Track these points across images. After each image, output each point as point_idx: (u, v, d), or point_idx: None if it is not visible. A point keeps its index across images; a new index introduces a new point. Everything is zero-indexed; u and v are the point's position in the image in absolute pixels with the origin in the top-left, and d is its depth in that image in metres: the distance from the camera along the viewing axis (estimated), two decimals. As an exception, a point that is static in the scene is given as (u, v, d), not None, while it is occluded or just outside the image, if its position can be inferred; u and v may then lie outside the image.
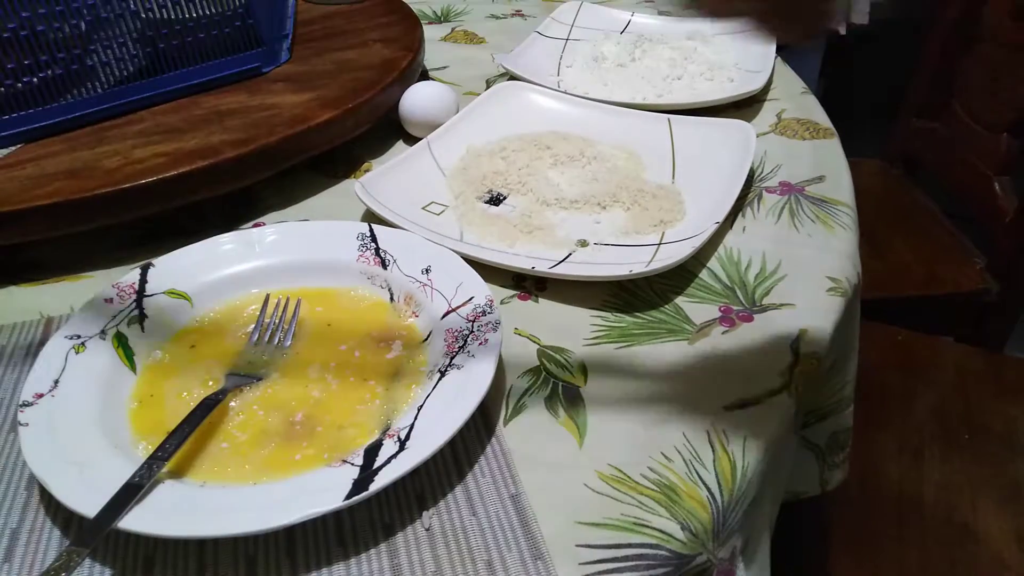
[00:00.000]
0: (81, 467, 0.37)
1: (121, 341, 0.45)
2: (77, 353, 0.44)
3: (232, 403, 0.43)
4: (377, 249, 0.51)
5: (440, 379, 0.42)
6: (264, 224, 0.60)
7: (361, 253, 0.51)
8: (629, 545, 0.37)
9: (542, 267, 0.52)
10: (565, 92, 0.73)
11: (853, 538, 0.78)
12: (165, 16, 0.65)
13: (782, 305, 0.51)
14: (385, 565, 0.36)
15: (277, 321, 0.48)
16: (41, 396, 0.41)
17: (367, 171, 0.64)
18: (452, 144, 0.66)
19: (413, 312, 0.48)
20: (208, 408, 0.41)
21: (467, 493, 0.39)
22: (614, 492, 0.39)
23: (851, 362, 0.58)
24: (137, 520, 0.35)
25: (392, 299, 0.50)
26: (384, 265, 0.51)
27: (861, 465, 0.82)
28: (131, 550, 0.37)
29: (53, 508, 0.39)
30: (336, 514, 0.38)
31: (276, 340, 0.47)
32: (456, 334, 0.45)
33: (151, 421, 0.42)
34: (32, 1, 0.58)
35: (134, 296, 0.48)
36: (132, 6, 0.63)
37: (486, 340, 0.43)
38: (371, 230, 0.53)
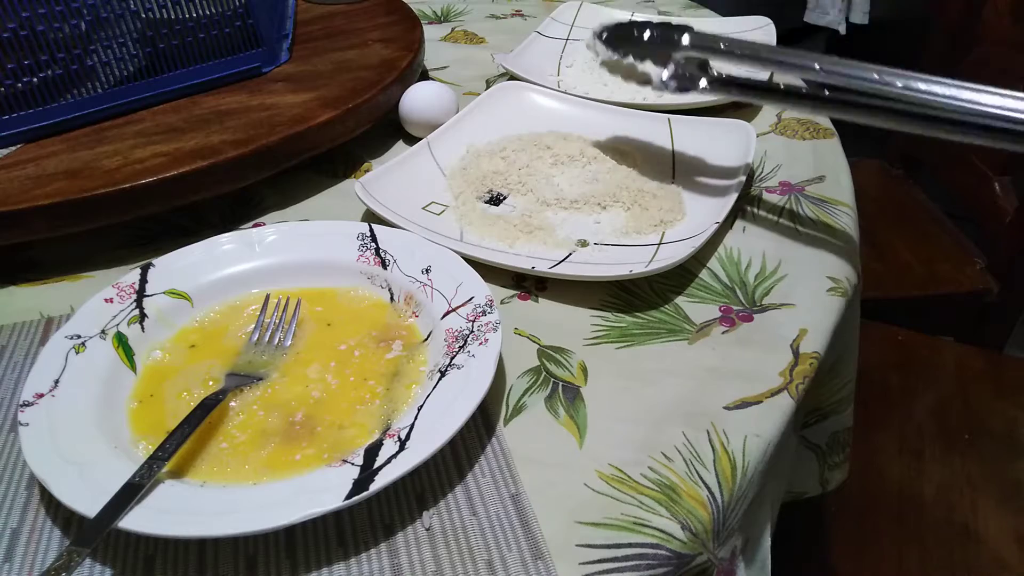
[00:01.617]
0: (81, 467, 0.37)
1: (121, 341, 0.45)
2: (77, 353, 0.44)
3: (232, 403, 0.43)
4: (377, 249, 0.51)
5: (440, 379, 0.42)
6: (264, 224, 0.60)
7: (361, 253, 0.51)
8: (629, 545, 0.37)
9: (542, 267, 0.52)
10: (565, 92, 0.73)
11: (853, 538, 0.78)
12: (165, 16, 0.65)
13: (782, 305, 0.51)
14: (385, 565, 0.36)
15: (277, 321, 0.48)
16: (41, 396, 0.41)
17: (367, 171, 0.64)
18: (452, 144, 0.66)
19: (413, 312, 0.48)
20: (208, 408, 0.41)
21: (467, 493, 0.39)
22: (614, 492, 0.39)
23: (851, 362, 0.58)
24: (137, 520, 0.35)
25: (392, 299, 0.50)
26: (384, 265, 0.51)
27: (861, 465, 0.82)
28: (131, 550, 0.37)
29: (53, 508, 0.39)
30: (336, 514, 0.38)
31: (276, 340, 0.47)
32: (456, 334, 0.45)
33: (151, 421, 0.42)
34: (32, 1, 0.58)
35: (134, 296, 0.48)
36: (132, 6, 0.63)
37: (486, 340, 0.43)
38: (371, 230, 0.53)
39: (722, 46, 0.55)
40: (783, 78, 0.56)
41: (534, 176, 0.63)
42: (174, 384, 0.44)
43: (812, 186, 0.63)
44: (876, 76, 0.47)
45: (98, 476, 0.36)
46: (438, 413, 0.40)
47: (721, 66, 0.58)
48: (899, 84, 0.47)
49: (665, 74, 0.58)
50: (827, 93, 0.52)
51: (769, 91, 0.58)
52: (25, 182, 0.55)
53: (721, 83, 0.58)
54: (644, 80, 0.60)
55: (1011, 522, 0.78)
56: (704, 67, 0.58)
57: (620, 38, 0.61)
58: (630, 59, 0.60)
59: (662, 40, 0.58)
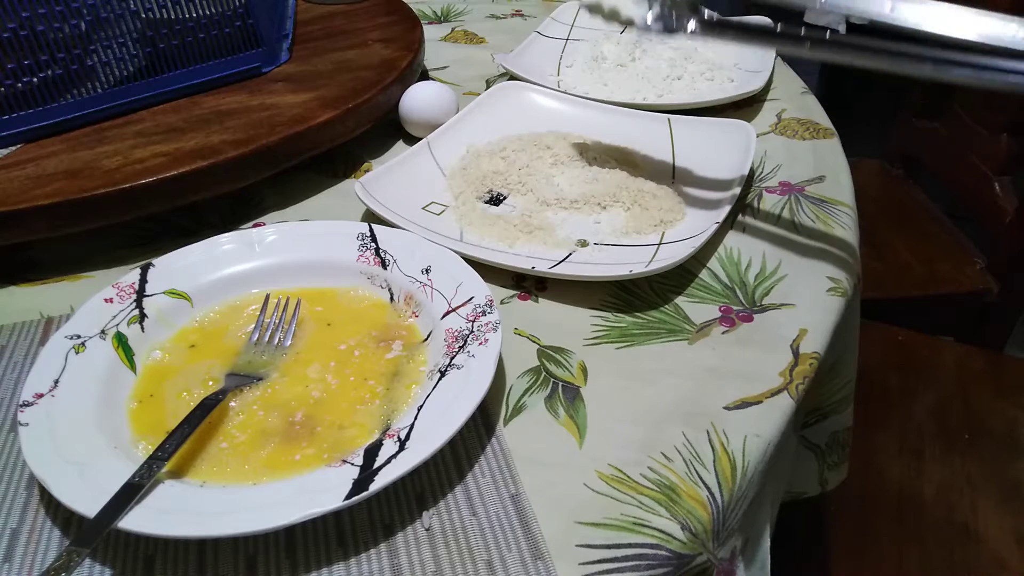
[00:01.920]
0: (81, 467, 0.37)
1: (121, 341, 0.45)
2: (77, 353, 0.44)
3: (232, 403, 0.43)
4: (377, 249, 0.51)
5: (440, 379, 0.42)
6: (264, 224, 0.60)
7: (361, 253, 0.51)
8: (629, 545, 0.37)
9: (542, 267, 0.52)
10: (565, 92, 0.73)
11: (853, 538, 0.78)
12: (165, 16, 0.65)
13: (782, 305, 0.51)
14: (385, 565, 0.36)
15: (277, 321, 0.48)
16: (41, 396, 0.41)
17: (367, 171, 0.64)
18: (452, 144, 0.66)
19: (413, 312, 0.48)
20: (208, 408, 0.41)
21: (467, 493, 0.39)
22: (614, 492, 0.39)
23: (851, 362, 0.58)
24: (137, 520, 0.35)
25: (392, 299, 0.50)
26: (384, 265, 0.51)
27: (861, 465, 0.82)
28: (131, 550, 0.37)
29: (53, 508, 0.39)
30: (336, 514, 0.38)
31: (276, 340, 0.47)
32: (456, 334, 0.45)
33: (151, 421, 0.42)
34: (32, 1, 0.58)
35: (134, 296, 0.48)
36: (132, 6, 0.63)
37: (486, 340, 0.43)
38: (371, 230, 0.53)
39: None
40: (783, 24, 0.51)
41: (534, 176, 0.63)
42: (174, 384, 0.44)
43: (812, 186, 0.63)
44: (885, 10, 0.43)
45: (98, 476, 0.36)
46: (438, 413, 0.40)
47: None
48: (911, 18, 0.42)
49: (650, 16, 0.54)
50: (828, 36, 0.47)
51: (764, 33, 0.54)
52: (25, 182, 0.55)
53: (713, 25, 0.53)
54: (627, 22, 0.56)
55: (1011, 522, 0.78)
56: (694, 9, 0.54)
57: None
58: None
59: None
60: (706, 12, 0.54)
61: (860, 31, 0.45)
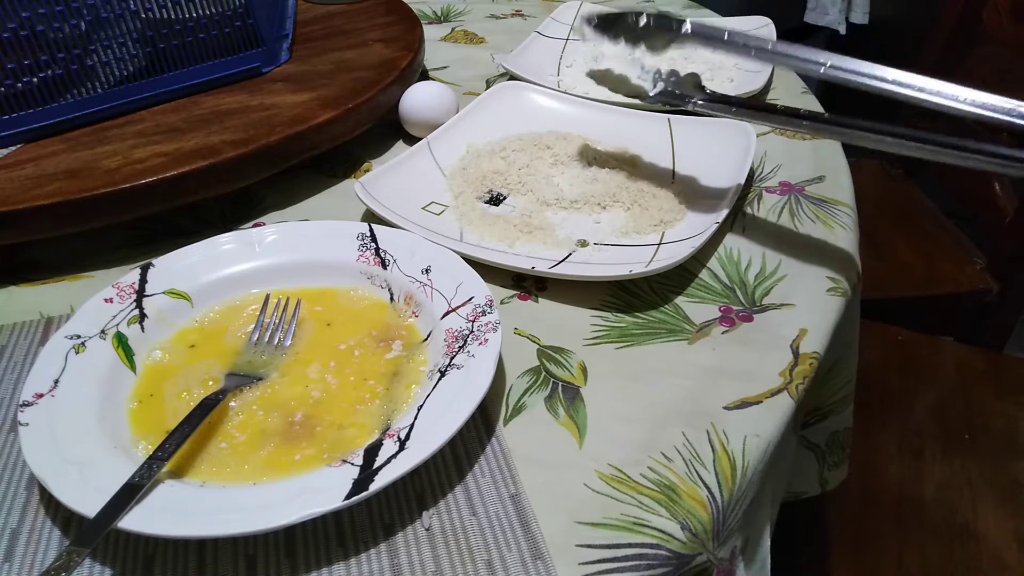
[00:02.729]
0: (81, 467, 0.37)
1: (121, 341, 0.45)
2: (77, 353, 0.44)
3: (232, 403, 0.43)
4: (377, 249, 0.51)
5: (440, 379, 0.42)
6: (264, 224, 0.60)
7: (361, 253, 0.51)
8: (629, 545, 0.37)
9: (542, 267, 0.52)
10: (565, 92, 0.73)
11: (853, 538, 0.78)
12: (165, 16, 0.65)
13: (782, 305, 0.51)
14: (385, 565, 0.36)
15: (277, 321, 0.48)
16: (41, 396, 0.41)
17: (367, 171, 0.64)
18: (452, 144, 0.66)
19: (413, 312, 0.48)
20: (208, 408, 0.41)
21: (467, 493, 0.39)
22: (614, 492, 0.39)
23: (851, 362, 0.58)
24: (137, 520, 0.35)
25: (392, 299, 0.50)
26: (384, 265, 0.51)
27: (861, 465, 0.82)
28: (131, 550, 0.37)
29: (53, 508, 0.39)
30: (336, 514, 0.38)
31: (276, 340, 0.47)
32: (456, 334, 0.45)
33: (151, 421, 0.42)
34: (32, 1, 0.58)
35: (134, 296, 0.48)
36: (132, 6, 0.63)
37: (486, 340, 0.43)
38: (371, 230, 0.53)
39: (725, 36, 0.52)
40: (782, 91, 0.54)
41: (534, 176, 0.63)
42: (174, 384, 0.44)
43: (812, 186, 0.63)
44: (888, 77, 0.45)
45: (98, 476, 0.36)
46: (438, 413, 0.40)
47: (715, 85, 0.57)
48: (915, 85, 0.44)
49: (654, 90, 0.55)
50: (826, 115, 0.50)
51: (766, 111, 0.55)
52: (25, 182, 0.55)
53: (715, 100, 0.55)
54: (635, 93, 0.58)
55: (1011, 522, 0.78)
56: (698, 85, 0.55)
57: (612, 25, 0.57)
58: (622, 44, 0.56)
59: (658, 26, 0.55)
60: (708, 88, 0.56)
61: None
